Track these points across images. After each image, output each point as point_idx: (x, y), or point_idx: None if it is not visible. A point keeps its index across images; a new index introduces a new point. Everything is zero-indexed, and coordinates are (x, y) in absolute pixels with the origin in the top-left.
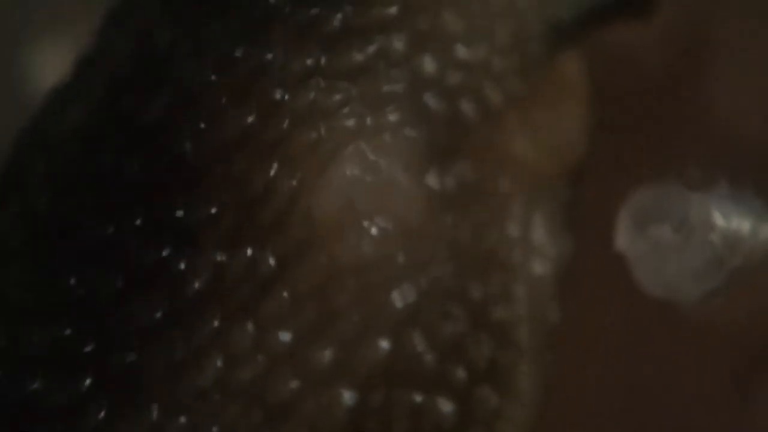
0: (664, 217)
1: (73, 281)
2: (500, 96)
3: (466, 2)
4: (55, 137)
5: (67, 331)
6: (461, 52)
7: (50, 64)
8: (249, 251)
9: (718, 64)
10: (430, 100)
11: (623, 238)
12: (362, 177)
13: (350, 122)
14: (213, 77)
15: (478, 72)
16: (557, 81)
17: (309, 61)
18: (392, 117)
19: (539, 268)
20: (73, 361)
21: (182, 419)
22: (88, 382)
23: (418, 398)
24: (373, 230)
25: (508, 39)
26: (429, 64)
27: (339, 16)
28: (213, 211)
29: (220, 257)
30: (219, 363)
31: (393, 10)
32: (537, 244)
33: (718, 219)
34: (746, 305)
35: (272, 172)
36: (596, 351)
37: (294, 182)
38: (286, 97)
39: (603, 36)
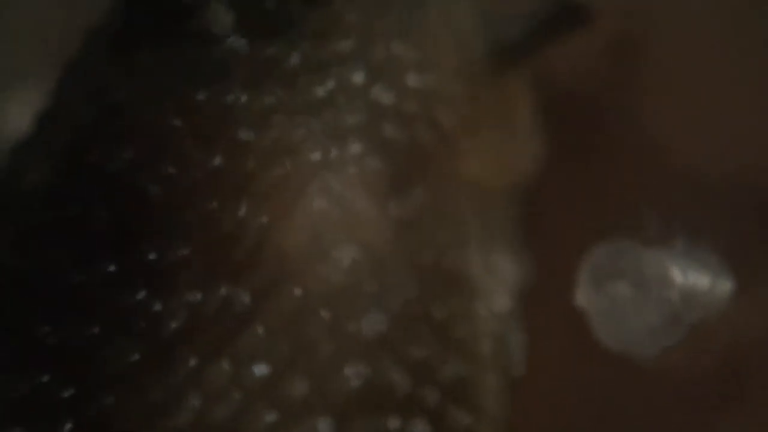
0: (621, 274)
1: (47, 330)
2: (452, 120)
3: (416, 32)
4: (18, 195)
5: (45, 379)
6: (414, 80)
7: (10, 120)
8: (223, 289)
9: (657, 85)
10: (389, 130)
11: (583, 294)
12: (329, 209)
13: (315, 156)
14: (177, 122)
15: (430, 98)
16: (504, 100)
17: (270, 99)
18: (355, 148)
19: (499, 287)
20: (52, 408)
21: None
22: (67, 428)
23: (395, 423)
24: (342, 260)
25: (456, 64)
26: (385, 94)
27: (297, 53)
28: (185, 252)
29: (194, 297)
30: (196, 402)
31: (349, 43)
32: (496, 265)
33: (675, 275)
34: (704, 361)
35: (241, 211)
36: (555, 402)
37: (264, 219)
38: (251, 136)
39: (546, 60)
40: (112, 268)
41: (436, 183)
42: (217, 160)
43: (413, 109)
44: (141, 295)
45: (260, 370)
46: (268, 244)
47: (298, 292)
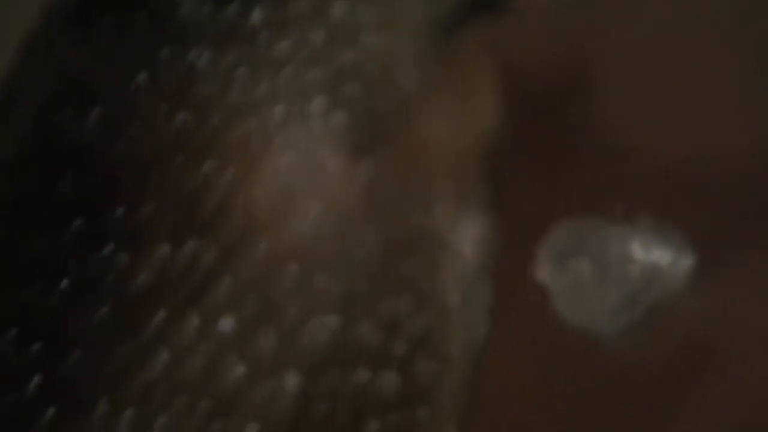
0: (583, 251)
1: (17, 293)
2: (411, 81)
3: None
4: None
5: (12, 333)
6: (372, 40)
7: None
8: (190, 244)
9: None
10: (350, 88)
11: (544, 271)
12: (296, 164)
13: (279, 111)
14: (140, 82)
15: (389, 59)
16: (461, 64)
17: (232, 56)
18: (318, 104)
19: (466, 241)
20: (20, 363)
21: (129, 413)
22: (33, 385)
23: (363, 377)
24: (309, 214)
25: (411, 26)
26: (345, 53)
27: (258, 11)
28: (152, 208)
29: (162, 252)
30: (165, 357)
31: (307, 1)
32: (463, 221)
33: (637, 252)
34: (664, 339)
35: (207, 167)
36: (515, 379)
37: (229, 175)
38: (215, 93)
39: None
40: (78, 223)
41: (400, 142)
42: (182, 118)
43: (372, 69)
44: (108, 249)
45: (228, 324)
46: (234, 200)
47: (265, 246)
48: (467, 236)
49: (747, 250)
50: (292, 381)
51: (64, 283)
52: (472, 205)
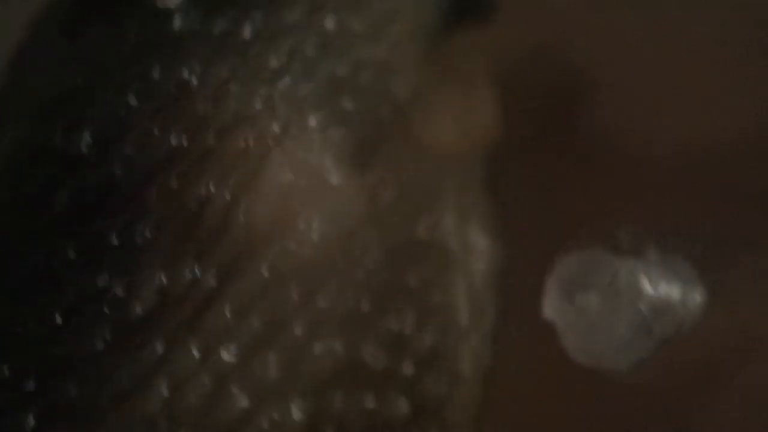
0: (590, 285)
1: (8, 322)
2: (406, 90)
3: (364, 4)
4: None
5: (5, 371)
6: (366, 51)
7: None
8: (189, 269)
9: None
10: (346, 101)
11: (550, 306)
12: (295, 180)
13: (275, 126)
14: (133, 101)
15: (382, 70)
16: (457, 69)
17: (225, 71)
18: (315, 118)
19: (474, 255)
20: (14, 401)
21: None
22: (30, 421)
23: (371, 398)
24: (311, 232)
25: (399, 36)
26: (339, 66)
27: (248, 23)
28: (149, 234)
29: (159, 278)
30: (164, 389)
31: (298, 13)
32: (470, 233)
33: (646, 286)
34: (676, 374)
35: (204, 188)
36: (523, 418)
37: (227, 194)
38: (209, 109)
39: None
40: (71, 251)
41: (400, 152)
42: (176, 137)
43: (367, 80)
44: (103, 278)
45: (229, 352)
46: (232, 220)
47: (265, 268)
48: (474, 249)
49: (759, 279)
50: (297, 408)
51: (56, 312)
52: (476, 217)
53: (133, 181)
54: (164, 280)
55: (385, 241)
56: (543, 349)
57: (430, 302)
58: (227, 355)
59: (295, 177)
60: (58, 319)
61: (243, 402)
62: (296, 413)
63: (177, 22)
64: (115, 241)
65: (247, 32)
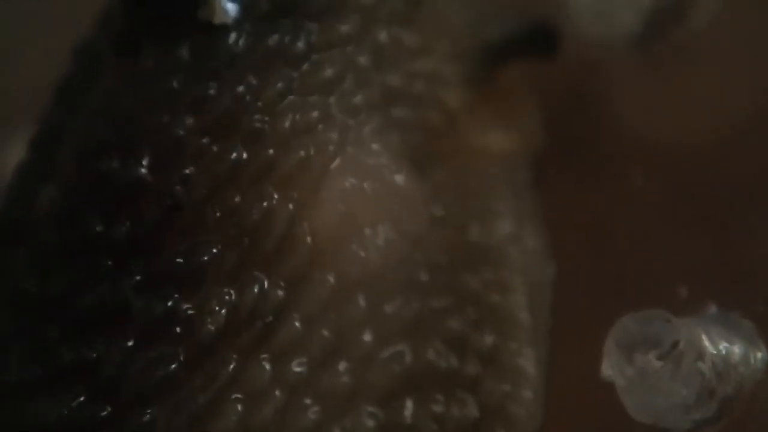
0: (649, 344)
1: (74, 349)
2: (456, 100)
3: (416, 18)
4: (29, 222)
5: (81, 399)
6: (418, 63)
7: (10, 156)
8: (257, 283)
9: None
10: (400, 110)
11: (609, 365)
12: (360, 185)
13: (333, 134)
14: (190, 120)
15: (433, 80)
16: (504, 86)
17: (281, 83)
18: (372, 125)
19: (530, 257)
20: (91, 428)
21: None
22: None
23: (440, 401)
24: (377, 239)
25: (451, 51)
26: (392, 75)
27: (302, 35)
28: (215, 250)
29: (229, 294)
30: (238, 405)
31: (352, 26)
32: (524, 234)
33: (707, 345)
34: None
35: (267, 200)
36: None
37: (290, 205)
38: (267, 122)
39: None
40: (137, 278)
41: (453, 159)
42: (236, 152)
43: (420, 90)
44: (171, 301)
45: (300, 364)
46: (297, 231)
47: (332, 278)
48: (530, 252)
49: None
50: (369, 414)
51: (128, 338)
52: (530, 222)
53: (194, 200)
54: (233, 295)
55: (445, 246)
56: (601, 410)
57: (490, 302)
58: (298, 367)
59: (359, 183)
60: (129, 343)
61: (315, 413)
62: (368, 422)
63: (231, 37)
64: (180, 261)
65: (300, 44)
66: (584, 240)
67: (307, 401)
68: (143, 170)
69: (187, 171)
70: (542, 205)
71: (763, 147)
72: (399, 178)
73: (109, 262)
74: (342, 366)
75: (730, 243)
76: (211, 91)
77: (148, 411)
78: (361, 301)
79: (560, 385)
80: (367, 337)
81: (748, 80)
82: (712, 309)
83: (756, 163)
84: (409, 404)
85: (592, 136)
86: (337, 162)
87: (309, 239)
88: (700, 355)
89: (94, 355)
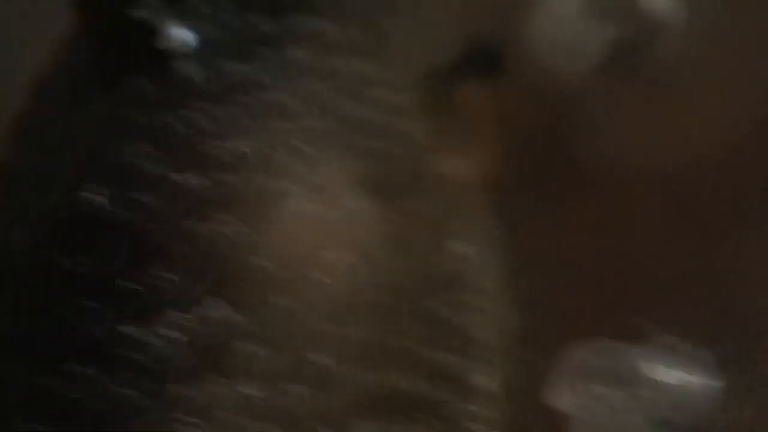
0: (602, 373)
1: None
2: (416, 129)
3: (372, 48)
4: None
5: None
6: (376, 92)
7: None
8: (214, 307)
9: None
10: (360, 138)
11: (561, 396)
12: (319, 211)
13: (293, 160)
14: (147, 148)
15: (392, 110)
16: (462, 114)
17: (238, 111)
18: (333, 152)
19: (489, 279)
20: None
21: None
22: None
23: (400, 423)
24: (339, 263)
25: (407, 80)
26: (351, 103)
27: (259, 63)
28: (169, 276)
29: (185, 318)
30: (192, 427)
31: (309, 53)
32: (486, 261)
33: (662, 375)
34: None
35: (225, 226)
36: None
37: (249, 231)
38: (224, 148)
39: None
40: (94, 304)
41: (414, 186)
42: (193, 179)
43: (378, 119)
44: (128, 327)
45: (257, 386)
46: (256, 256)
47: (291, 302)
48: (490, 274)
49: None
50: None
51: (89, 363)
52: (492, 245)
53: (150, 227)
54: (191, 320)
55: (408, 268)
56: None
57: (452, 324)
58: (255, 390)
59: (318, 209)
60: (90, 373)
61: None
62: None
63: (189, 66)
64: (136, 287)
65: (257, 71)
66: (544, 267)
67: (265, 424)
68: (101, 202)
69: (143, 198)
70: (504, 231)
71: (728, 176)
72: (359, 204)
73: (67, 292)
74: (299, 389)
75: (693, 275)
76: (169, 120)
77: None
78: (321, 325)
79: (511, 416)
80: (327, 360)
81: (717, 108)
82: (671, 339)
83: (726, 193)
84: (369, 427)
85: (556, 165)
86: (296, 188)
87: (268, 264)
88: (654, 384)
89: (52, 387)
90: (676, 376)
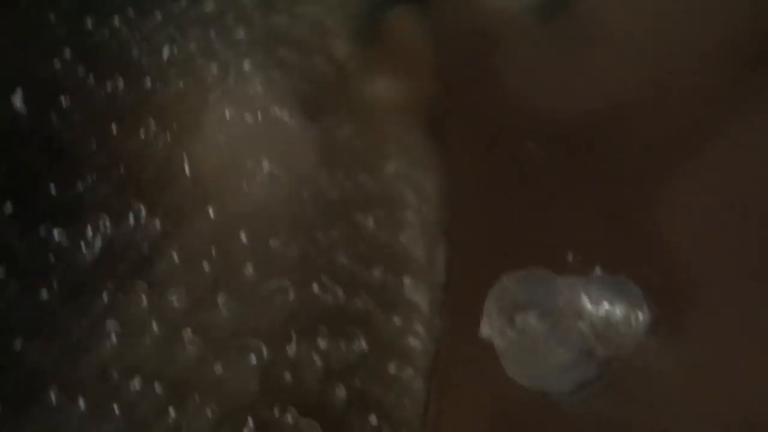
0: (530, 304)
1: None
2: (344, 52)
3: None
4: None
5: None
6: (303, 8)
7: None
8: (134, 215)
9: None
10: (284, 52)
11: (489, 326)
12: (241, 117)
13: (213, 67)
14: (66, 54)
15: (320, 28)
16: (395, 37)
17: (159, 17)
18: (254, 61)
19: (422, 199)
20: None
21: (81, 402)
22: None
23: (325, 335)
24: (261, 173)
25: (336, 2)
26: (276, 16)
27: None
28: (91, 181)
29: (104, 225)
30: (115, 336)
31: None
32: (419, 180)
33: (588, 305)
34: (618, 396)
35: (143, 132)
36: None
37: (168, 136)
38: (144, 54)
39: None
40: (13, 211)
41: (344, 104)
42: (112, 84)
43: (304, 35)
44: (46, 231)
45: (179, 297)
46: (176, 162)
47: (212, 210)
48: (423, 194)
49: (701, 306)
50: (253, 354)
51: (9, 273)
52: (423, 167)
53: (71, 132)
54: (109, 226)
55: (335, 184)
56: (481, 371)
57: (381, 239)
58: (177, 300)
59: (239, 115)
60: (1, 276)
61: (195, 347)
62: (252, 360)
63: None
64: (54, 192)
65: None
66: (477, 200)
67: (187, 335)
68: (17, 110)
69: (63, 105)
70: (439, 160)
71: (657, 122)
72: (284, 116)
73: None
74: (222, 300)
75: (621, 213)
76: (89, 25)
77: (22, 343)
78: (243, 236)
79: (443, 348)
80: (249, 271)
81: (642, 57)
82: (596, 271)
83: (649, 136)
84: (293, 339)
85: (490, 106)
86: (216, 94)
87: (188, 170)
88: (580, 315)
89: None
90: (601, 307)
